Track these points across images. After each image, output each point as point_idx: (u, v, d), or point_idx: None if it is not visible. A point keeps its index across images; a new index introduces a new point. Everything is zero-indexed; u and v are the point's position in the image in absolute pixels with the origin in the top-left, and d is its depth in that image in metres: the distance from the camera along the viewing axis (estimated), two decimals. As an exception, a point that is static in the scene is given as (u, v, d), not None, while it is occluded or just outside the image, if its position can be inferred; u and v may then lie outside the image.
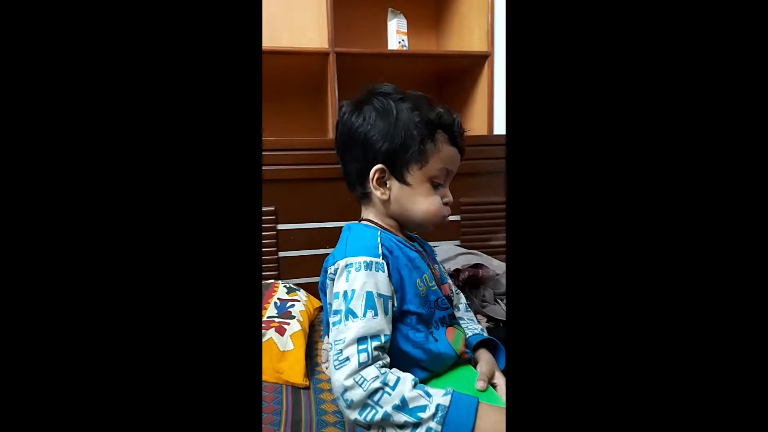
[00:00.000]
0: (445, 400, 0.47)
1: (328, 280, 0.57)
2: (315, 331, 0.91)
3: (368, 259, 0.54)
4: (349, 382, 0.47)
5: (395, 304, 0.54)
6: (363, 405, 0.47)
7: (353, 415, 0.48)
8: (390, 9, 1.39)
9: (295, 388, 0.69)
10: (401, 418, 0.46)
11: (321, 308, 1.03)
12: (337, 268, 0.55)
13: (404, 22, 1.38)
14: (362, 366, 0.48)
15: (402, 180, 0.57)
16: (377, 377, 0.47)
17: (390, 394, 0.47)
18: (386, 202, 0.59)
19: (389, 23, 1.38)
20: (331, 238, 1.18)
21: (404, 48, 1.36)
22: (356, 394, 0.47)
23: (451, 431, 0.45)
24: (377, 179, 0.58)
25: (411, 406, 0.46)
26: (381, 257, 0.54)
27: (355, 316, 0.51)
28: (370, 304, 0.51)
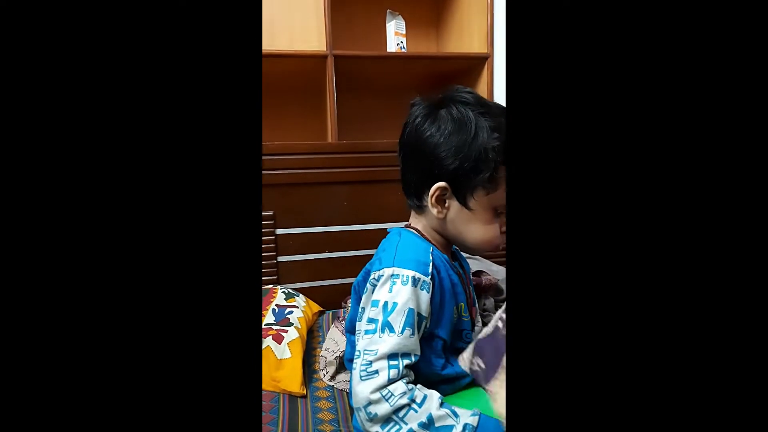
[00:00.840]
0: (473, 420, 0.46)
1: (369, 284, 0.55)
2: (313, 337, 0.91)
3: (417, 275, 0.51)
4: (376, 395, 0.46)
5: (427, 326, 0.53)
6: (387, 420, 0.46)
7: (374, 428, 0.47)
8: (388, 10, 1.38)
9: (292, 397, 0.69)
10: None
11: (320, 313, 1.02)
12: (382, 275, 0.52)
13: (403, 23, 1.37)
14: (391, 381, 0.47)
15: (463, 203, 0.53)
16: (405, 393, 0.46)
17: (416, 411, 0.46)
18: (441, 221, 0.56)
19: (388, 25, 1.37)
20: (330, 242, 1.18)
21: (403, 50, 1.35)
22: (382, 409, 0.46)
23: None
24: (437, 197, 0.54)
25: (437, 424, 0.45)
26: (429, 277, 0.52)
27: (392, 330, 0.49)
28: (409, 321, 0.50)
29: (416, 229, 0.59)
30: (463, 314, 0.57)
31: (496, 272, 0.95)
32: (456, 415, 0.46)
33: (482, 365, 0.42)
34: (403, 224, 0.62)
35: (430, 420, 0.45)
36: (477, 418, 0.46)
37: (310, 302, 1.00)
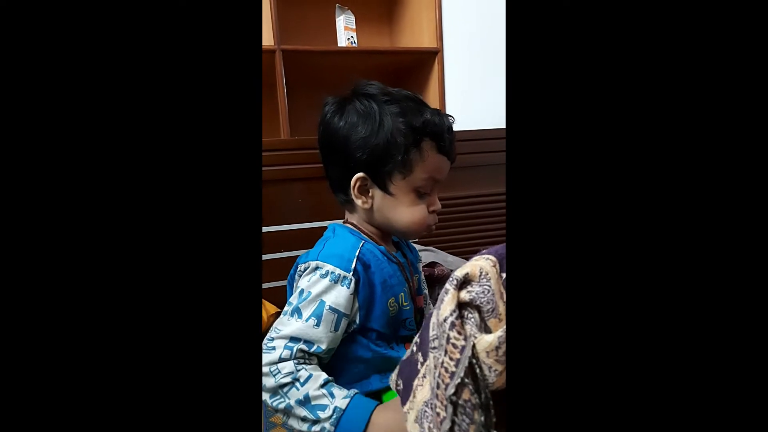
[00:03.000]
0: (343, 403, 0.48)
1: (297, 275, 0.57)
2: (269, 338, 0.89)
3: (337, 270, 0.53)
4: (265, 369, 0.49)
5: (357, 321, 0.54)
6: (274, 391, 0.49)
7: (265, 396, 0.50)
8: (337, 5, 1.37)
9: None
10: (301, 412, 0.48)
11: (277, 314, 1.00)
12: (308, 267, 0.54)
13: (352, 18, 1.36)
14: (281, 360, 0.50)
15: (385, 189, 0.55)
16: (290, 373, 0.49)
17: (297, 389, 0.49)
18: (369, 211, 0.57)
19: (337, 20, 1.36)
20: (286, 241, 1.15)
21: (353, 45, 1.34)
22: (269, 382, 0.49)
23: None
24: (359, 188, 0.55)
25: (313, 403, 0.48)
26: (351, 273, 0.53)
27: (299, 316, 0.51)
28: (317, 312, 0.51)
29: (352, 224, 0.60)
30: (404, 304, 0.58)
31: (451, 263, 0.96)
32: (333, 396, 0.49)
33: (401, 386, 0.43)
34: (341, 221, 0.62)
35: (307, 398, 0.49)
36: (348, 401, 0.48)
37: (267, 303, 0.98)
